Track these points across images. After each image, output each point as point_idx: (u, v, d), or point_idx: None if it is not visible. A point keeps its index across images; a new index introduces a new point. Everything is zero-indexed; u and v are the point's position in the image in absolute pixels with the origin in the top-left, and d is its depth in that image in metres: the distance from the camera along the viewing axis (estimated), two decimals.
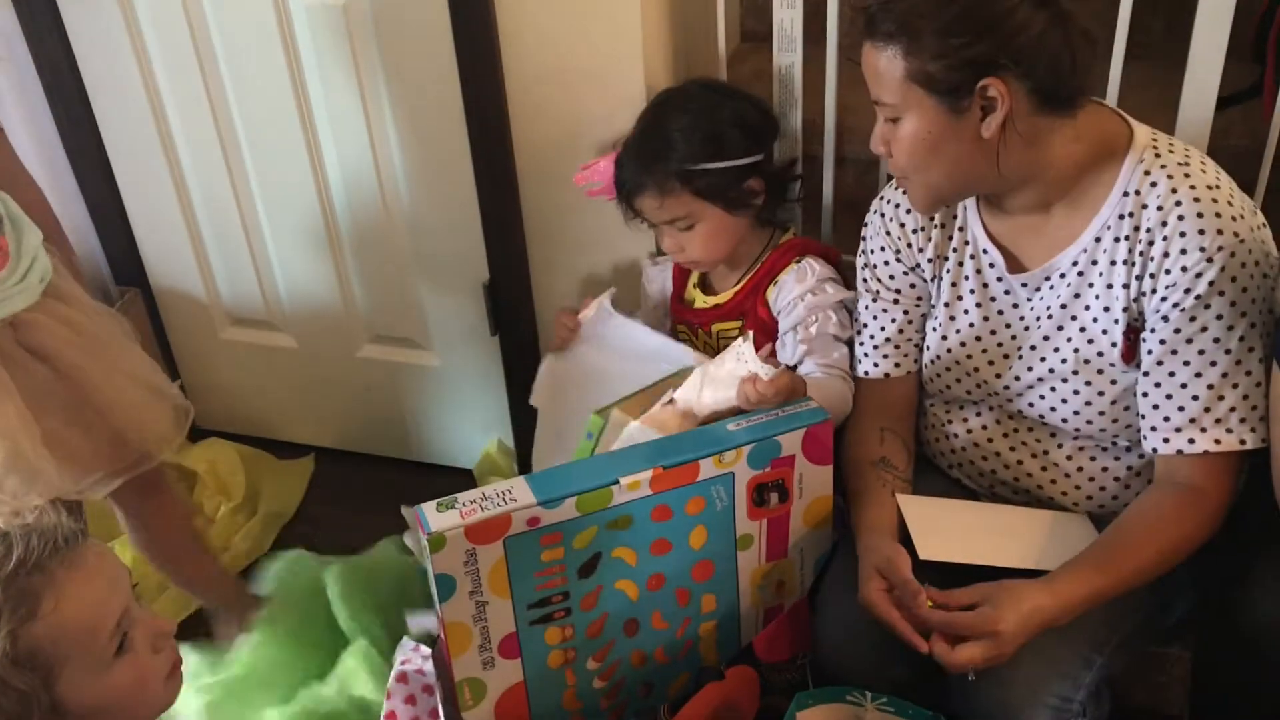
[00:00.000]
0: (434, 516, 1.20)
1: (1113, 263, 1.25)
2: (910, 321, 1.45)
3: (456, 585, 1.22)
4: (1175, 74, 1.47)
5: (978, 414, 1.43)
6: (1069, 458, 1.37)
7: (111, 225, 2.13)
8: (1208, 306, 1.20)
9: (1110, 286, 1.26)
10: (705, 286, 1.65)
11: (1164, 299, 1.21)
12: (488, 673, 1.31)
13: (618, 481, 1.25)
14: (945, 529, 1.36)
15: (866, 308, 1.47)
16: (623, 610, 1.35)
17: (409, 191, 1.91)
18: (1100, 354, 1.29)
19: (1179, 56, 1.45)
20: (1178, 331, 1.21)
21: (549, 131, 1.76)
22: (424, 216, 1.94)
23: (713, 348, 1.58)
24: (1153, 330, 1.23)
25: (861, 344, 1.48)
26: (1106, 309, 1.27)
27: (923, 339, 1.45)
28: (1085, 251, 1.27)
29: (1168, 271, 1.20)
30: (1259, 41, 1.62)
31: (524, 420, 2.12)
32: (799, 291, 1.51)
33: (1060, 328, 1.31)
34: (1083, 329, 1.29)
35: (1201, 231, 1.18)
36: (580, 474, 1.26)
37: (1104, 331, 1.28)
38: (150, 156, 2.01)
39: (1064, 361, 1.31)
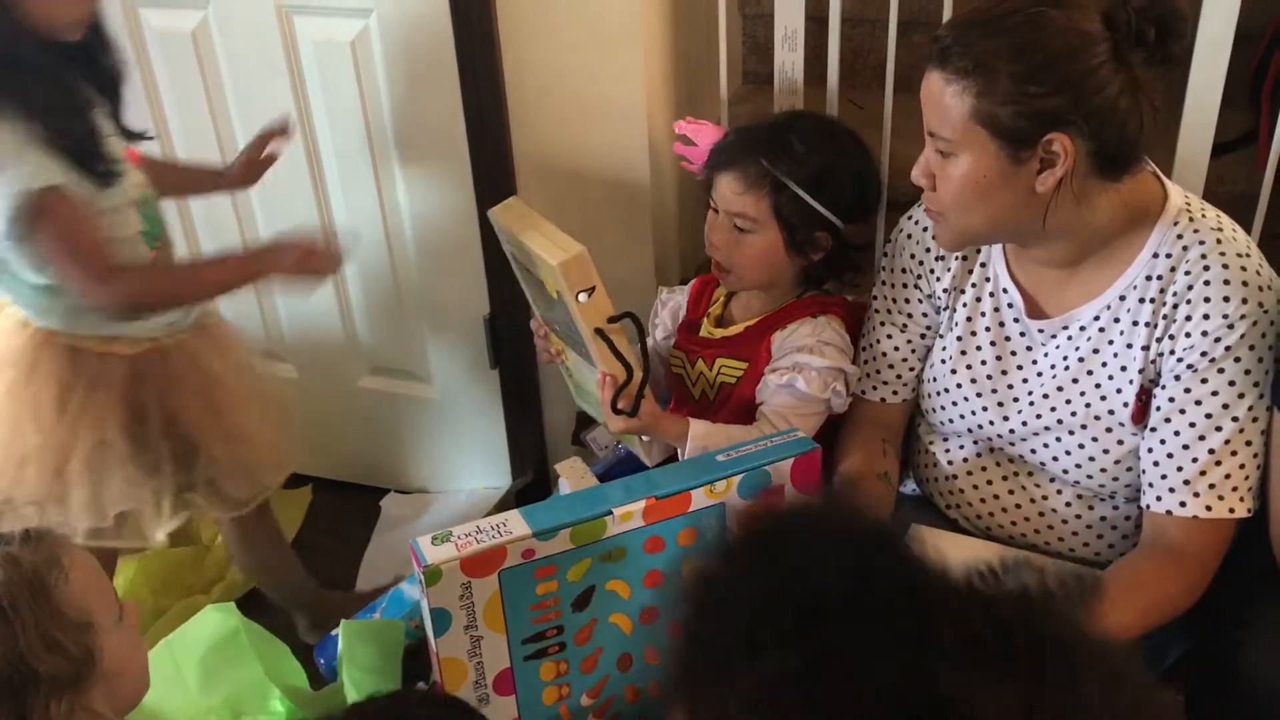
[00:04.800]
0: (429, 550, 1.20)
1: (1135, 323, 1.24)
2: (914, 350, 1.45)
3: (452, 620, 1.22)
4: (1172, 119, 1.48)
5: (977, 453, 1.43)
6: (1067, 504, 1.36)
7: None
8: (1221, 370, 1.20)
9: (1130, 346, 1.25)
10: (721, 320, 1.59)
11: (1180, 359, 1.21)
12: (483, 709, 1.30)
13: (611, 512, 1.25)
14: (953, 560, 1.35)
15: (875, 327, 1.46)
16: (617, 644, 1.34)
17: (412, 224, 1.93)
18: (1111, 412, 1.28)
19: (1175, 101, 1.46)
20: (1187, 391, 1.21)
21: (552, 167, 1.78)
22: (427, 250, 1.95)
23: (708, 382, 1.57)
24: (1163, 388, 1.23)
25: (864, 362, 1.47)
26: (1123, 368, 1.26)
27: (923, 368, 1.45)
28: (1109, 308, 1.26)
29: (1188, 335, 1.20)
30: (1254, 90, 1.64)
31: (522, 453, 2.13)
32: (800, 344, 1.46)
33: (1075, 380, 1.30)
34: (1097, 385, 1.28)
35: (1227, 299, 1.18)
36: (573, 505, 1.26)
37: (1117, 390, 1.27)
38: None
39: (1073, 414, 1.30)
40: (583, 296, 1.35)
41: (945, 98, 1.16)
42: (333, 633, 1.83)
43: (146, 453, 1.57)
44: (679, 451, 1.46)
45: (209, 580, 2.04)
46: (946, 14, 1.55)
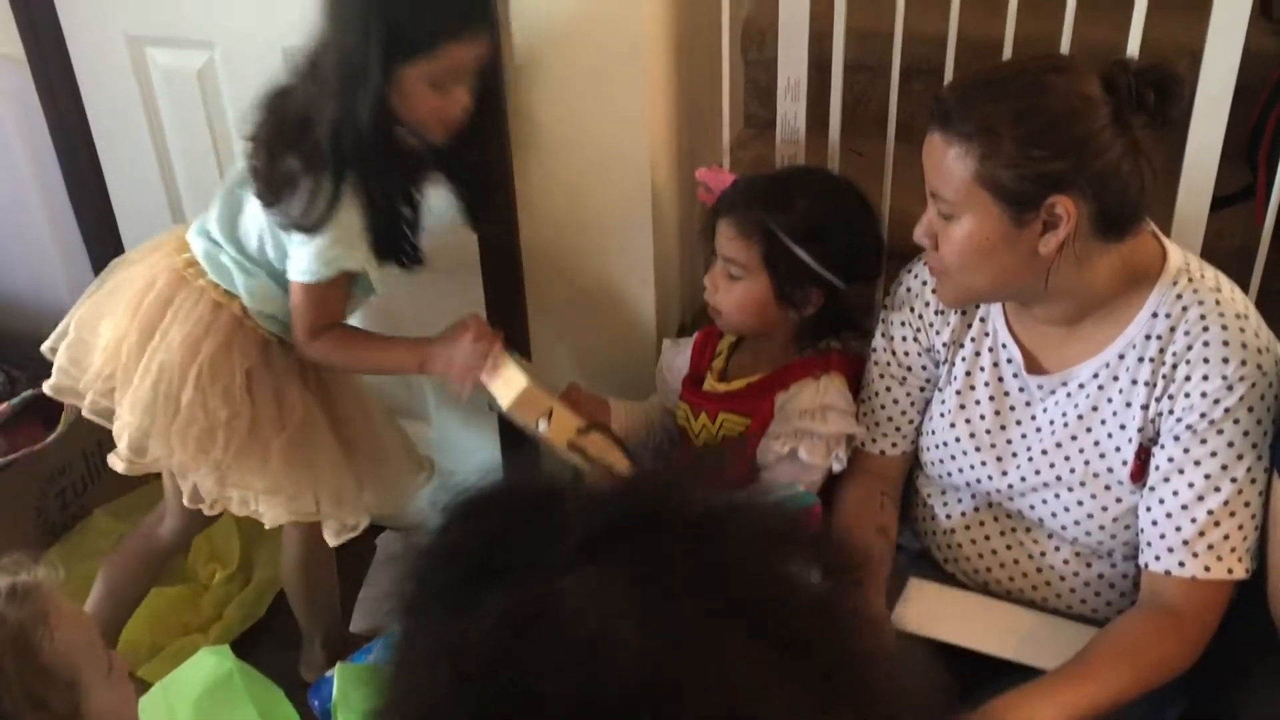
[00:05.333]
0: None
1: (1134, 381, 1.25)
2: (913, 403, 1.45)
3: None
4: (1170, 174, 1.49)
5: (975, 508, 1.43)
6: (1065, 561, 1.36)
7: None
8: (1220, 432, 1.20)
9: (1129, 405, 1.25)
10: (724, 374, 1.60)
11: (1179, 419, 1.22)
12: None
13: None
14: (947, 614, 1.36)
15: (874, 379, 1.47)
16: None
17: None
18: (1110, 470, 1.28)
19: (1174, 157, 1.47)
20: (1186, 451, 1.22)
21: (554, 213, 1.78)
22: (428, 291, 1.95)
23: (710, 435, 1.58)
24: (1162, 447, 1.24)
25: (864, 414, 1.48)
26: (1122, 426, 1.27)
27: (922, 420, 1.46)
28: (1108, 366, 1.26)
29: (1187, 395, 1.21)
30: (1251, 147, 1.65)
31: None
32: (801, 408, 1.46)
33: (1073, 437, 1.30)
34: (1096, 442, 1.29)
35: (1226, 360, 1.19)
36: None
37: (1116, 449, 1.27)
38: (157, 218, 2.02)
39: (1072, 471, 1.31)
40: (542, 424, 1.40)
41: (948, 160, 1.17)
42: (328, 674, 1.82)
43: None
44: None
45: (206, 619, 2.04)
46: (949, 63, 1.56)
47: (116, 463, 1.68)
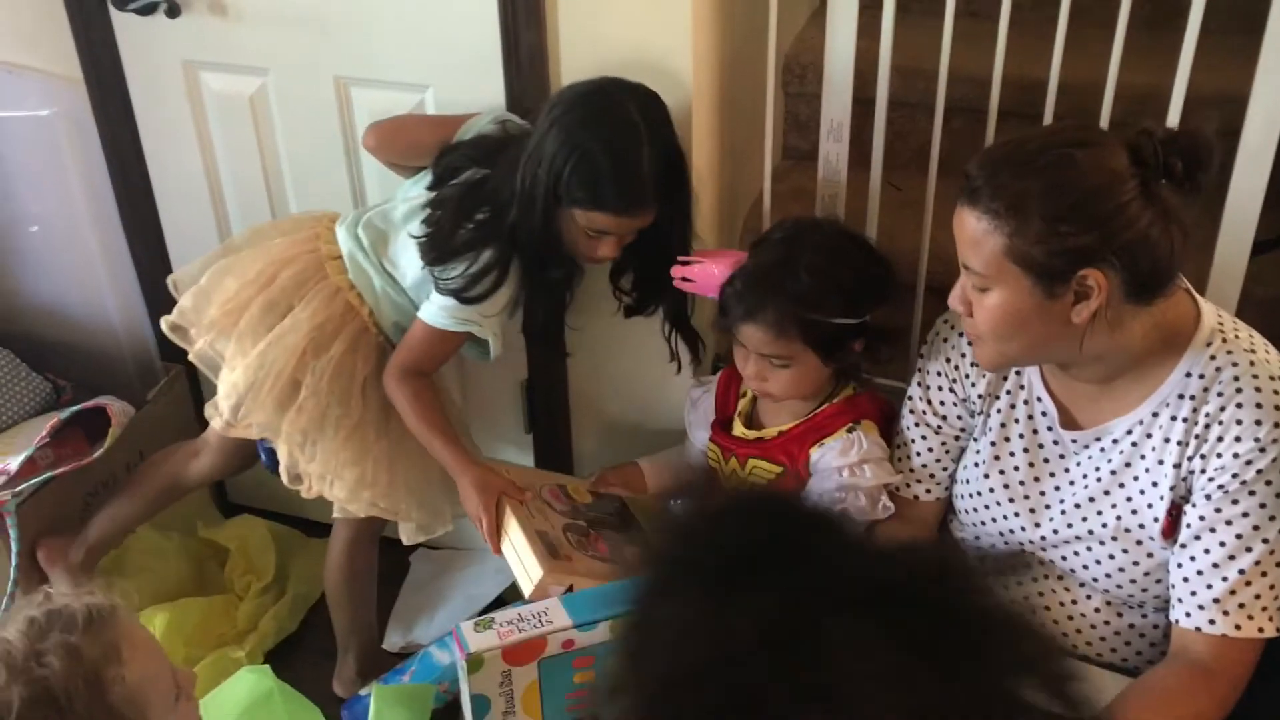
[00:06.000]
0: (472, 636, 1.22)
1: (1166, 440, 1.26)
2: (947, 451, 1.47)
3: (490, 706, 1.25)
4: (1208, 220, 1.50)
5: None
6: (1096, 610, 1.38)
7: (162, 305, 2.18)
8: (1252, 493, 1.21)
9: (1161, 462, 1.27)
10: (750, 419, 1.62)
11: (1211, 479, 1.23)
12: None
13: None
14: None
15: (909, 426, 1.48)
16: None
17: None
18: (1141, 526, 1.30)
19: (1212, 200, 1.47)
20: (1218, 511, 1.23)
21: None
22: None
23: (740, 479, 1.59)
24: (1194, 506, 1.25)
25: (898, 460, 1.50)
26: (1155, 484, 1.28)
27: (956, 468, 1.47)
28: (1141, 423, 1.28)
29: (1219, 455, 1.22)
30: None
31: None
32: (839, 464, 1.48)
33: (1106, 492, 1.32)
34: (1128, 498, 1.30)
35: (1259, 422, 1.20)
36: (614, 597, 1.29)
37: (1149, 505, 1.29)
38: (204, 237, 2.06)
39: (1104, 526, 1.32)
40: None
41: (977, 234, 1.19)
42: (361, 692, 1.85)
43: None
44: None
45: (240, 631, 2.07)
46: (992, 102, 1.57)
47: (215, 419, 1.77)
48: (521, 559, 1.50)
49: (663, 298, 1.70)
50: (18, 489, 1.92)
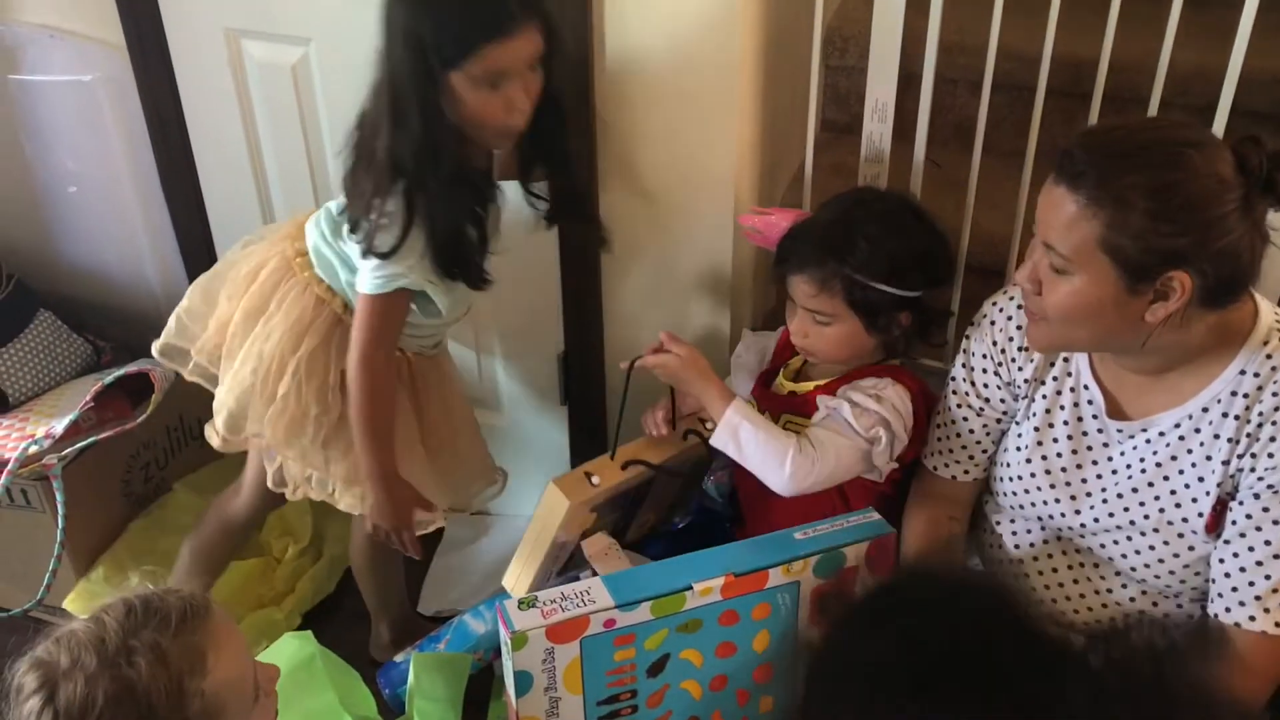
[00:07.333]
0: (517, 615, 1.25)
1: (1216, 436, 1.26)
2: (988, 433, 1.47)
3: (533, 682, 1.27)
4: None
5: (1044, 539, 1.45)
6: (1132, 599, 1.38)
7: (201, 269, 2.18)
8: None
9: (1209, 458, 1.27)
10: (798, 374, 1.63)
11: (1260, 478, 1.23)
12: None
13: (691, 587, 1.29)
14: None
15: (951, 407, 1.49)
16: (686, 709, 1.39)
17: (495, 259, 1.97)
18: (1185, 519, 1.30)
19: None
20: (1266, 510, 1.23)
21: (634, 212, 1.81)
22: (506, 283, 1.98)
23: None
24: (1240, 503, 1.25)
25: (938, 439, 1.50)
26: (1201, 479, 1.28)
27: (996, 449, 1.47)
28: (1191, 418, 1.27)
29: (1270, 455, 1.22)
30: None
31: None
32: (853, 395, 1.48)
33: (1150, 484, 1.32)
34: (1172, 491, 1.30)
35: None
36: (655, 578, 1.31)
37: (1193, 499, 1.29)
38: (245, 204, 2.08)
39: (1145, 517, 1.33)
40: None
41: (1072, 219, 1.17)
42: (396, 658, 1.88)
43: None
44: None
45: (279, 593, 2.10)
46: (1041, 79, 1.55)
47: (213, 438, 1.76)
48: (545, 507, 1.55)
49: (560, 167, 1.60)
50: (63, 453, 1.95)
